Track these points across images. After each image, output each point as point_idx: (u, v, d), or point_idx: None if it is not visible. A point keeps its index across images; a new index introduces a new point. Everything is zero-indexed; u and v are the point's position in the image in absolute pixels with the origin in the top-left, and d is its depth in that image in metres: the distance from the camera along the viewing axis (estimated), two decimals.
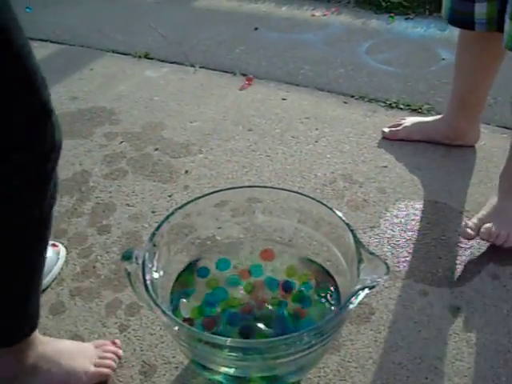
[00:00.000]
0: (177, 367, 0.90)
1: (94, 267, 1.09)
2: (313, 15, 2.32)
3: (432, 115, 1.54)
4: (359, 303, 0.71)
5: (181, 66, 1.90)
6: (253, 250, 0.94)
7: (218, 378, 0.78)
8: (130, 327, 0.97)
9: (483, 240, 1.10)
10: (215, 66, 1.89)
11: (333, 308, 0.84)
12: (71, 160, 1.40)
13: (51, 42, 2.10)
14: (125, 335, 0.95)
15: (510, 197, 1.13)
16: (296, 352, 0.70)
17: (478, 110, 1.36)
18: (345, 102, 1.66)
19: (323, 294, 0.87)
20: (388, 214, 1.22)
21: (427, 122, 1.45)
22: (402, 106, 1.62)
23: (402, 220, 1.20)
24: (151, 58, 1.96)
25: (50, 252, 1.04)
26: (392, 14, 2.29)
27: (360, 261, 0.75)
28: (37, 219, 0.72)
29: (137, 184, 1.32)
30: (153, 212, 1.23)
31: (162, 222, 0.83)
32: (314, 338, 0.69)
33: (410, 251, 1.12)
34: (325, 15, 2.32)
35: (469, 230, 1.09)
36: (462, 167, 1.37)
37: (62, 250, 1.10)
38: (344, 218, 0.83)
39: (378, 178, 1.33)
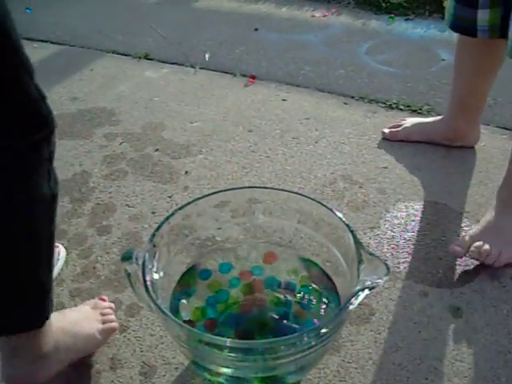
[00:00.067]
0: (177, 368, 0.90)
1: (94, 268, 1.09)
2: (313, 16, 2.33)
3: (432, 116, 1.55)
4: (359, 304, 0.72)
5: (181, 66, 1.90)
6: (254, 252, 0.94)
7: (218, 378, 0.78)
8: (130, 328, 0.97)
9: (473, 259, 1.07)
10: (215, 67, 1.89)
11: (333, 309, 0.84)
12: (71, 161, 1.41)
13: (51, 42, 2.10)
14: (125, 336, 0.95)
15: (507, 211, 1.09)
16: (296, 353, 0.70)
17: (478, 112, 1.36)
18: (345, 103, 1.66)
19: (323, 295, 0.87)
20: (388, 215, 1.22)
21: (427, 123, 1.45)
22: (402, 107, 1.63)
23: (402, 221, 1.20)
24: (151, 59, 1.97)
25: None
26: (392, 15, 2.29)
27: (360, 261, 0.75)
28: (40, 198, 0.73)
29: (137, 185, 1.32)
30: (153, 213, 1.23)
31: (162, 222, 0.83)
32: (314, 338, 0.69)
33: (410, 252, 1.12)
34: (325, 16, 2.32)
35: (457, 248, 1.06)
36: (461, 168, 1.37)
37: (62, 251, 1.10)
38: (344, 219, 0.83)
39: (378, 179, 1.33)
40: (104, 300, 0.99)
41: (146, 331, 0.96)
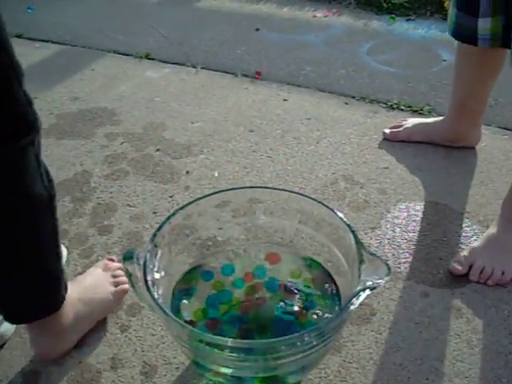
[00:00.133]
0: (178, 368, 0.90)
1: None
2: (314, 16, 2.33)
3: (433, 116, 1.54)
4: (360, 304, 0.72)
5: (182, 66, 1.90)
6: (257, 253, 0.94)
7: (219, 378, 0.78)
8: (131, 327, 0.97)
9: (472, 282, 1.04)
10: (217, 67, 1.89)
11: (334, 309, 0.84)
12: (72, 160, 1.41)
13: (52, 42, 2.10)
14: (126, 335, 0.95)
15: (511, 228, 1.06)
16: (297, 353, 0.70)
17: (479, 115, 1.36)
18: (346, 103, 1.66)
19: (324, 296, 0.87)
20: (389, 215, 1.22)
21: (428, 124, 1.45)
22: (403, 107, 1.62)
23: (403, 221, 1.20)
24: (152, 59, 1.97)
25: None
26: (393, 15, 2.29)
27: (361, 262, 0.75)
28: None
29: (138, 184, 1.32)
30: (154, 213, 1.23)
31: (163, 222, 0.83)
32: (315, 338, 0.69)
33: (411, 252, 1.12)
34: (326, 16, 2.32)
35: (457, 266, 1.05)
36: (462, 169, 1.37)
37: (64, 251, 1.10)
38: (345, 219, 0.83)
39: (379, 179, 1.33)
40: (113, 260, 1.02)
41: (147, 331, 0.96)
